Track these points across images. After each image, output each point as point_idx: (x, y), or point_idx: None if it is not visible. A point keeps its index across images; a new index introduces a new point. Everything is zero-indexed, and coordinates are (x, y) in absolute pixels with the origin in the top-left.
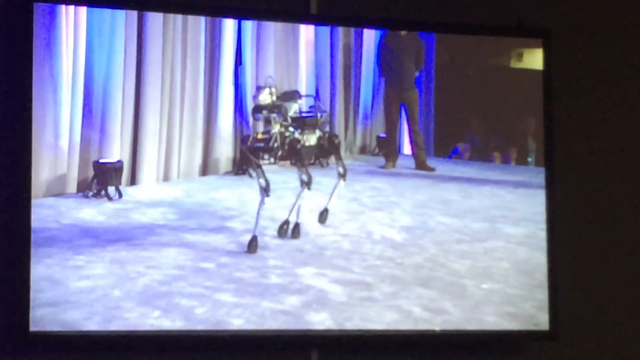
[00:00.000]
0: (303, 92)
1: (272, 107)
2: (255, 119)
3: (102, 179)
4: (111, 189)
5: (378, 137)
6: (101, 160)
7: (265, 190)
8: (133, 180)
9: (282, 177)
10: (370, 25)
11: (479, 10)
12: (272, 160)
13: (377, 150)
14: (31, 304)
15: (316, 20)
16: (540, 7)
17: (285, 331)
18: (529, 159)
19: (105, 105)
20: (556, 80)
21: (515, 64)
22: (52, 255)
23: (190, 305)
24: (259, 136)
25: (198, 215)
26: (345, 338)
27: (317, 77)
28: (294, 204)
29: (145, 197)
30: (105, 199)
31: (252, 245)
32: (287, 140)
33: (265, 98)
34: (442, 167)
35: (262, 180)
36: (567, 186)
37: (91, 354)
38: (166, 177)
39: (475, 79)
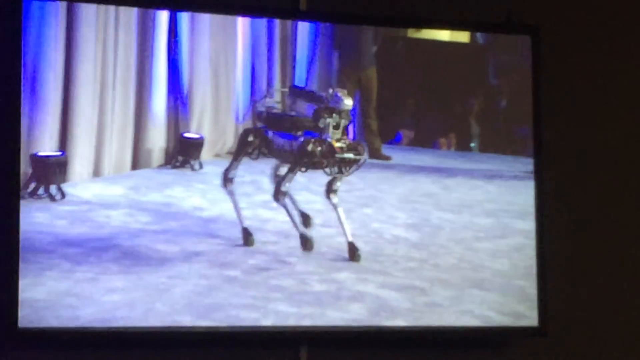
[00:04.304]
0: (239, 66)
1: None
2: (318, 124)
3: (42, 175)
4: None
5: None
6: (41, 154)
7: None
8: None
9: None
10: (359, 22)
11: (467, 6)
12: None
13: None
14: (74, 323)
15: (306, 16)
16: (528, 4)
17: (274, 327)
18: (472, 145)
19: (32, 87)
20: (544, 77)
21: (452, 36)
22: (51, 268)
23: (253, 317)
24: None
25: (169, 217)
26: (334, 334)
27: (254, 50)
28: (343, 227)
29: (90, 196)
30: (47, 199)
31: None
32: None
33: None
34: (391, 155)
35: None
36: (556, 181)
37: (81, 350)
38: (97, 172)
39: (404, 51)
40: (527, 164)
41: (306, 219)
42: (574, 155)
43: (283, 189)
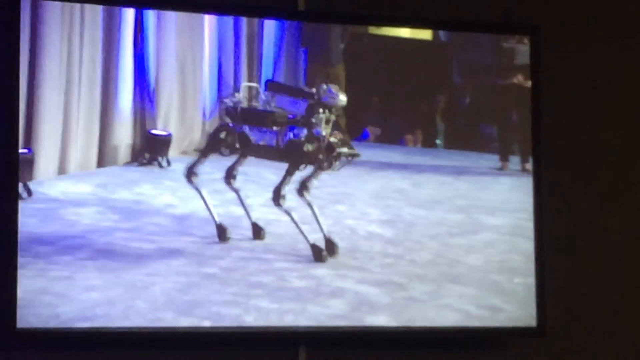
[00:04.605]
0: (206, 63)
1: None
2: (311, 119)
3: None
4: None
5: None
6: None
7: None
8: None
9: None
10: (358, 22)
11: (466, 5)
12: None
13: None
14: (55, 321)
15: (304, 16)
16: (528, 3)
17: (273, 328)
18: (438, 142)
19: None
20: (543, 77)
21: (416, 34)
22: (25, 266)
23: (235, 313)
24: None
25: (140, 215)
26: (332, 334)
27: (220, 46)
28: (319, 223)
29: (57, 194)
30: None
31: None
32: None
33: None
34: (359, 152)
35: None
36: (554, 180)
37: (78, 350)
38: (62, 170)
39: (368, 48)
40: (492, 161)
41: (257, 232)
42: (573, 154)
43: (282, 192)
